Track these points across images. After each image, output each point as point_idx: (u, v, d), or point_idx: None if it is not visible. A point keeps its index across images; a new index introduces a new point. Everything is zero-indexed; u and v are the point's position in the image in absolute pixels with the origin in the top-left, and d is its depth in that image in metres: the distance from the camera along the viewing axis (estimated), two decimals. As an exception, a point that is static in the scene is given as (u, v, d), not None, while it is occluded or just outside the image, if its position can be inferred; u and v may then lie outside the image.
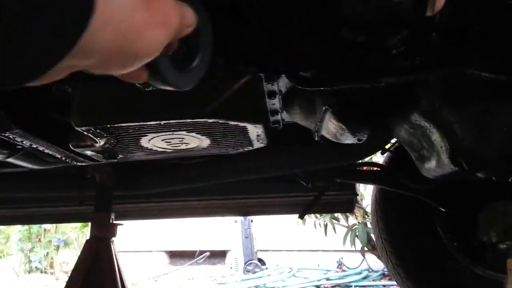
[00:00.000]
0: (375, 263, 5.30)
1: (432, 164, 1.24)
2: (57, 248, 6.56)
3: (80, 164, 1.42)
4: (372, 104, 1.17)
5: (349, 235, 4.78)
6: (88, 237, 1.81)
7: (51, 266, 6.49)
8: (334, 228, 4.96)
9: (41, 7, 0.31)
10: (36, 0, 0.31)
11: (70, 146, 1.21)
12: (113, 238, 1.81)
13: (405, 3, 0.80)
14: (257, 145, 1.38)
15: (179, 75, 0.55)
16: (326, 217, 4.90)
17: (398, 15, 0.86)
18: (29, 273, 6.35)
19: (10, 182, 1.82)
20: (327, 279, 5.31)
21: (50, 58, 0.34)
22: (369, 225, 4.52)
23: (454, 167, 1.12)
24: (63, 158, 1.34)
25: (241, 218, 6.46)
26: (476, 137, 1.05)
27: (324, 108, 1.16)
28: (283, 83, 1.17)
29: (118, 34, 0.37)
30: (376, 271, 5.38)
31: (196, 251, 7.19)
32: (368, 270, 5.46)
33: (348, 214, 4.55)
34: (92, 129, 1.10)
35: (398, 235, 2.24)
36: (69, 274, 1.79)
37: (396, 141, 2.11)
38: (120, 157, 1.36)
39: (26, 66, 0.33)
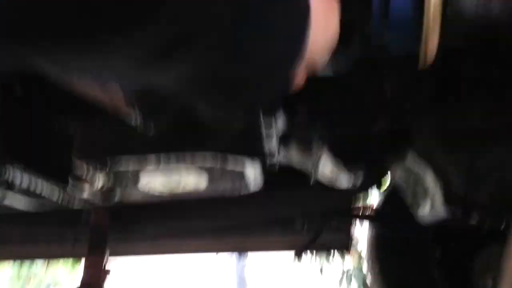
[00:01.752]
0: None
1: (426, 209, 1.25)
2: (47, 289, 6.40)
3: (75, 207, 1.42)
4: (368, 147, 1.20)
5: (344, 277, 4.71)
6: (78, 280, 1.77)
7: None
8: (329, 270, 4.89)
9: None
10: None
11: (69, 183, 1.22)
12: (105, 285, 1.78)
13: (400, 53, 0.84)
14: (253, 188, 1.40)
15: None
16: (322, 258, 4.84)
17: (393, 60, 0.89)
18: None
19: (2, 218, 1.81)
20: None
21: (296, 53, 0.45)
22: (364, 269, 4.46)
23: (448, 210, 1.13)
24: (59, 201, 1.34)
25: (235, 261, 6.37)
26: (469, 183, 1.07)
27: (320, 151, 1.18)
28: (280, 126, 1.20)
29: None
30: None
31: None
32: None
33: (344, 256, 4.50)
34: (92, 167, 1.12)
35: (394, 279, 2.22)
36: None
37: (391, 184, 2.13)
38: (117, 200, 1.36)
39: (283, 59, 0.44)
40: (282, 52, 0.44)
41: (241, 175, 1.24)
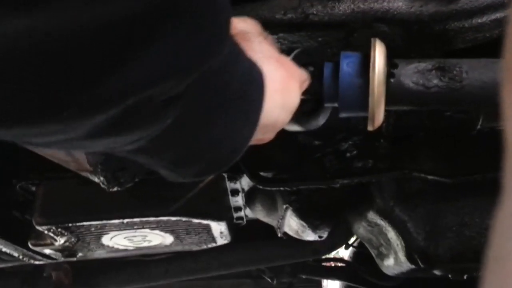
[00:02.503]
0: None
1: (390, 261, 1.27)
2: None
3: (37, 262, 1.38)
4: (331, 203, 1.22)
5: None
6: None
7: None
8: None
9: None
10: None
11: (29, 244, 1.19)
12: None
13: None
14: (220, 241, 1.39)
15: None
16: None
17: (350, 124, 0.94)
18: None
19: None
20: None
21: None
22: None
23: (411, 265, 1.15)
24: (21, 257, 1.30)
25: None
26: (429, 236, 1.10)
27: (284, 206, 1.20)
28: (245, 182, 1.22)
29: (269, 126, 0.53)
30: None
31: None
32: None
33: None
34: (54, 228, 1.10)
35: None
36: None
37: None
38: (80, 256, 1.33)
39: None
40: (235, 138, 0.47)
41: (208, 228, 1.24)
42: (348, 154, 1.03)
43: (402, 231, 1.11)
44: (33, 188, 1.13)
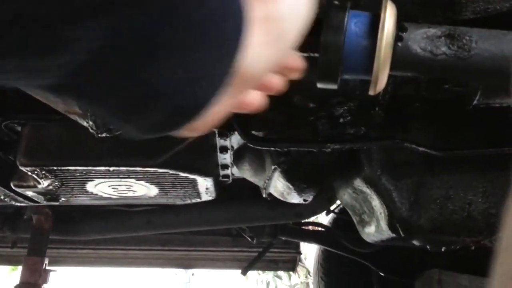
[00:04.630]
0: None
1: (371, 229, 1.29)
2: (-21, 292, 6.05)
3: (19, 204, 1.37)
4: (319, 167, 1.23)
5: (290, 294, 4.74)
6: (17, 282, 1.70)
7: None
8: (276, 286, 4.91)
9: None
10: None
11: (12, 185, 1.17)
12: (44, 285, 1.71)
13: (353, 81, 0.87)
14: (205, 197, 1.40)
15: None
16: (269, 274, 4.86)
17: (347, 89, 0.93)
18: None
19: None
20: None
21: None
22: (311, 285, 4.51)
23: (392, 233, 1.17)
24: (2, 197, 1.29)
25: (182, 270, 6.27)
26: (412, 207, 1.12)
27: (273, 167, 1.20)
28: (235, 140, 1.21)
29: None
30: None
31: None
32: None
33: (291, 272, 4.53)
34: (38, 170, 1.08)
35: (338, 297, 2.26)
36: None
37: (340, 203, 2.17)
38: (63, 200, 1.32)
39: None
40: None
41: (194, 183, 1.24)
42: (341, 120, 1.03)
43: (386, 200, 1.12)
44: (19, 128, 1.10)
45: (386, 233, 1.20)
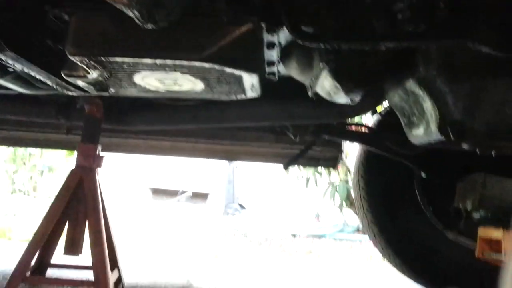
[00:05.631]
0: (351, 218, 5.45)
1: (420, 131, 1.26)
2: (42, 173, 6.61)
3: (70, 93, 1.41)
4: (370, 67, 1.17)
5: (329, 189, 4.89)
6: (73, 166, 1.82)
7: (35, 190, 6.56)
8: (316, 182, 5.07)
9: None
10: None
11: (62, 74, 1.20)
12: (98, 169, 1.83)
13: None
14: (250, 94, 1.39)
15: None
16: (309, 170, 4.99)
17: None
18: (11, 194, 6.42)
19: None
20: (304, 228, 5.48)
21: None
22: (350, 183, 4.62)
23: (441, 136, 1.14)
24: (54, 86, 1.33)
25: (226, 162, 6.54)
26: (466, 110, 1.07)
27: (321, 65, 1.15)
28: (283, 36, 1.16)
29: None
30: (351, 226, 5.55)
31: (178, 191, 7.33)
32: (343, 224, 5.63)
33: (331, 169, 4.64)
34: (86, 59, 1.09)
35: (377, 195, 2.30)
36: (52, 199, 1.81)
37: (387, 105, 2.12)
38: (112, 91, 1.35)
39: None
40: None
41: (239, 79, 1.22)
42: (400, 16, 0.95)
43: (439, 103, 1.08)
44: (66, 17, 1.09)
45: (435, 136, 1.17)
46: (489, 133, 1.08)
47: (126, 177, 7.43)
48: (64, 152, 6.40)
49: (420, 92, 1.13)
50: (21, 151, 6.34)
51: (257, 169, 6.86)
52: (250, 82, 1.26)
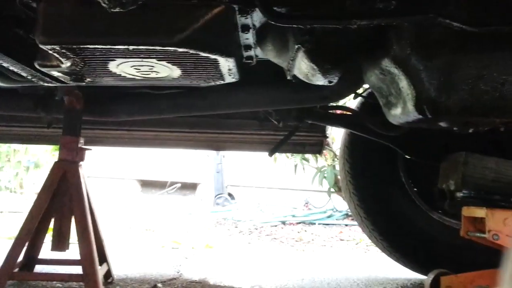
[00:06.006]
0: (340, 204, 5.49)
1: (398, 110, 1.26)
2: (27, 169, 6.54)
3: (47, 84, 1.39)
4: (345, 46, 1.17)
5: (317, 176, 4.91)
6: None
7: (21, 187, 6.50)
8: (303, 168, 5.08)
9: None
10: None
11: (36, 65, 1.18)
12: (81, 162, 1.81)
13: None
14: (228, 79, 1.38)
15: None
16: (297, 157, 5.00)
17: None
18: (-2, 192, 6.36)
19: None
20: (293, 215, 5.50)
21: None
22: (337, 168, 4.64)
23: (418, 114, 1.14)
24: (29, 77, 1.31)
25: (214, 152, 6.53)
26: (441, 87, 1.07)
27: (296, 46, 1.15)
28: (257, 18, 1.15)
29: None
30: (340, 211, 5.59)
31: (167, 182, 7.31)
32: (332, 210, 5.67)
33: (317, 155, 4.65)
34: (57, 48, 1.07)
35: (362, 178, 2.32)
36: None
37: (368, 87, 2.13)
38: (88, 81, 1.33)
39: None
40: None
41: (216, 63, 1.21)
42: (371, -8, 0.95)
43: (415, 81, 1.08)
44: (34, 4, 1.07)
45: (413, 115, 1.17)
46: (464, 110, 1.09)
47: (114, 169, 7.38)
48: (50, 147, 6.34)
49: (395, 70, 1.13)
50: (4, 147, 6.26)
51: (245, 158, 6.87)
52: (227, 67, 1.26)
